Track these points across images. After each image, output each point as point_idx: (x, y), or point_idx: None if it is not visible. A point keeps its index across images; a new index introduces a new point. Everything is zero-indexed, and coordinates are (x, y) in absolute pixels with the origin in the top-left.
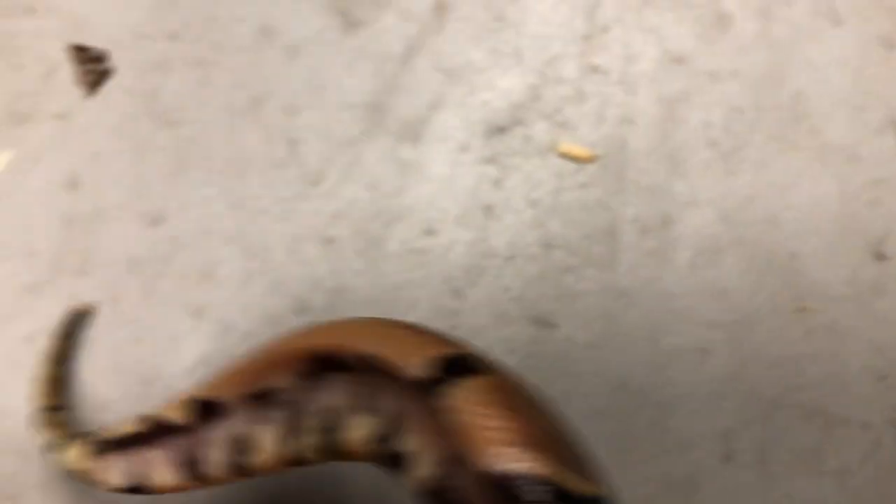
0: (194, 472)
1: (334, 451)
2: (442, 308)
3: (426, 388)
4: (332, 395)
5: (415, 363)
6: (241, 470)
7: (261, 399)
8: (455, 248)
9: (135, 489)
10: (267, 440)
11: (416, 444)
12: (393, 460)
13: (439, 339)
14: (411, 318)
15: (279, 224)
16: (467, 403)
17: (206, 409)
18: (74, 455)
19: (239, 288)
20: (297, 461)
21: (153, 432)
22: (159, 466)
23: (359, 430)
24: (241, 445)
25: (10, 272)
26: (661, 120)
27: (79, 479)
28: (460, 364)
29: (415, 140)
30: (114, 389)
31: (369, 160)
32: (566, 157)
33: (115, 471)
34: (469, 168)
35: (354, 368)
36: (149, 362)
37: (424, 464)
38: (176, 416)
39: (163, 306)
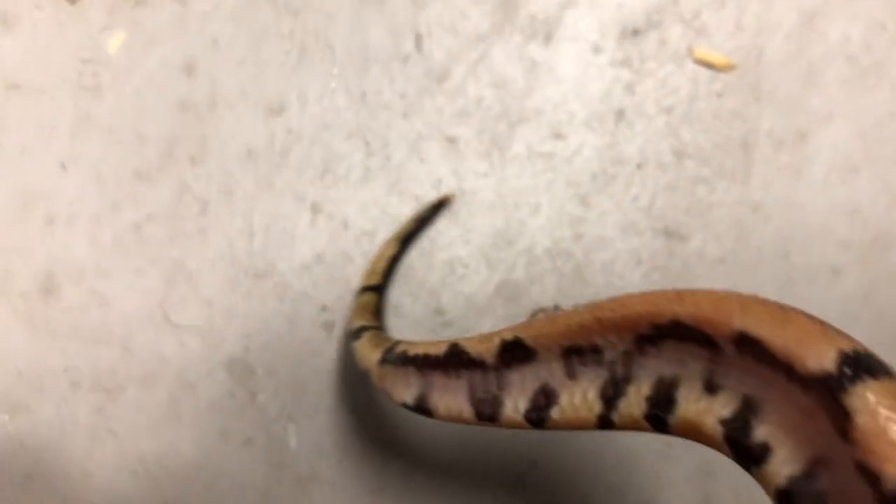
0: (489, 411)
1: (659, 423)
2: (566, 215)
3: (830, 385)
4: (670, 366)
5: (817, 354)
6: (539, 421)
7: (580, 355)
8: (583, 152)
9: (419, 409)
10: (578, 397)
11: (781, 439)
12: (744, 449)
13: (837, 331)
14: (532, 225)
15: (401, 121)
16: (876, 407)
17: (517, 353)
18: (367, 351)
19: (358, 185)
20: (604, 424)
21: (458, 362)
22: (455, 396)
23: (699, 406)
24: (548, 397)
25: (120, 157)
26: (800, 32)
27: (369, 380)
28: (864, 363)
29: (545, 39)
30: (224, 282)
31: (497, 58)
32: (702, 63)
33: (407, 386)
34: (601, 70)
35: (716, 345)
36: (261, 256)
37: (787, 461)
38: (484, 351)
39: (278, 200)
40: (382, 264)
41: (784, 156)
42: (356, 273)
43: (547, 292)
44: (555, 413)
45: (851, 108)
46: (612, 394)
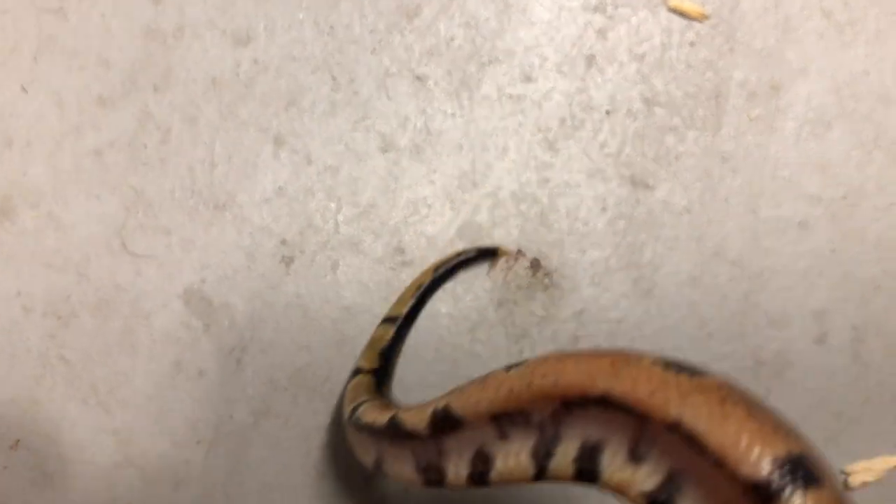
0: (435, 478)
1: (590, 483)
2: (533, 159)
3: (761, 493)
4: (597, 430)
5: (753, 459)
6: (481, 482)
7: (510, 417)
8: (553, 97)
9: (379, 472)
10: (512, 459)
11: None
12: None
13: (779, 429)
14: (499, 168)
15: (370, 56)
16: None
17: (448, 422)
18: (346, 403)
19: (323, 118)
20: (540, 480)
21: (398, 433)
22: (403, 465)
23: (623, 475)
24: (485, 461)
25: (83, 82)
26: None
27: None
28: (802, 469)
29: None
30: (183, 213)
31: None
32: (676, 12)
33: (366, 451)
34: (574, 15)
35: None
36: (222, 188)
37: None
38: (418, 422)
39: (241, 131)
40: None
41: (756, 108)
42: (318, 208)
43: (510, 236)
44: (494, 475)
45: (826, 63)
46: (542, 454)
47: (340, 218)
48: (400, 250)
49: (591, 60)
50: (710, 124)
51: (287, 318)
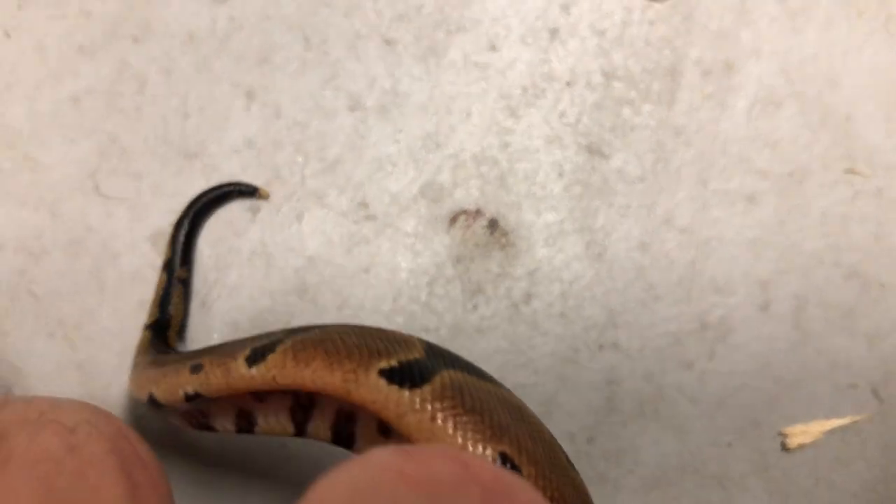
0: (204, 428)
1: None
2: (495, 124)
3: None
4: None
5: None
6: (249, 432)
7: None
8: (516, 66)
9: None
10: (272, 419)
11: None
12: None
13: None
14: (462, 131)
15: (341, 18)
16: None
17: (200, 399)
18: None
19: (294, 76)
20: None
21: (159, 406)
22: (176, 418)
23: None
24: (248, 418)
25: (65, 31)
26: None
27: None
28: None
29: None
30: (155, 159)
31: None
32: None
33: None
34: None
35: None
36: (194, 137)
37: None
38: (173, 401)
39: (215, 84)
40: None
41: (710, 85)
42: (286, 161)
43: (470, 196)
44: (259, 430)
45: (779, 45)
46: (301, 419)
47: (307, 171)
48: (364, 205)
49: (554, 33)
50: (666, 99)
51: (251, 264)
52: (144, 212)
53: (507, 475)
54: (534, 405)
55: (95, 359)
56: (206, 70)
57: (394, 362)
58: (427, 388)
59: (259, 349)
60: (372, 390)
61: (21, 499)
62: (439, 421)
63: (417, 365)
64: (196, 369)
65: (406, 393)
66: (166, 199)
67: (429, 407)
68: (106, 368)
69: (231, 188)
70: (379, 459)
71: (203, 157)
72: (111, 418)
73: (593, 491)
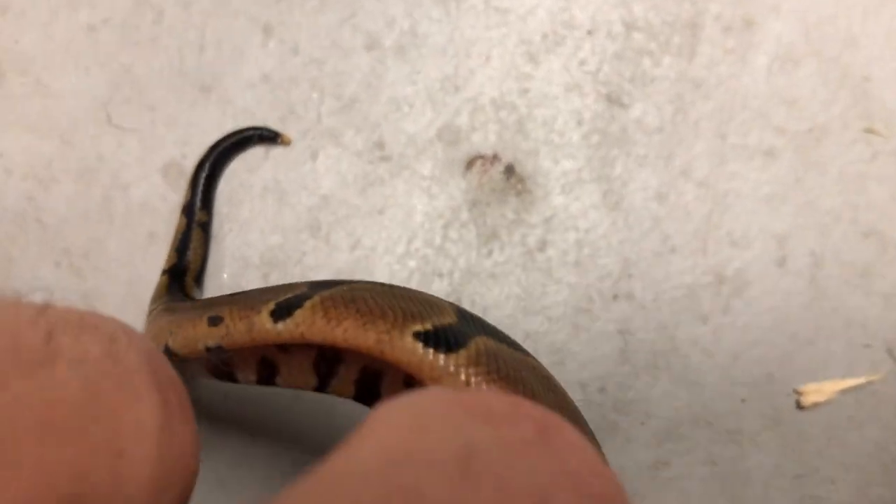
0: (225, 377)
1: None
2: (515, 69)
3: None
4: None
5: None
6: (270, 384)
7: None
8: (537, 12)
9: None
10: (295, 369)
11: None
12: None
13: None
14: (481, 75)
15: None
16: None
17: (222, 352)
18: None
19: (313, 13)
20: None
21: (175, 356)
22: (198, 368)
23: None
24: (270, 368)
25: None
26: None
27: None
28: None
29: None
30: (169, 91)
31: None
32: None
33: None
34: None
35: None
36: (209, 71)
37: None
38: (190, 352)
39: (233, 18)
40: None
41: (730, 40)
42: (301, 98)
43: (488, 141)
44: (280, 381)
45: (798, 4)
46: (325, 372)
47: (323, 109)
48: (380, 145)
49: None
50: (686, 52)
51: (263, 200)
52: (157, 143)
53: (555, 416)
54: (546, 353)
55: (102, 289)
56: (224, 4)
57: (428, 326)
58: (462, 354)
59: (283, 304)
60: (407, 352)
61: (69, 394)
62: (473, 386)
63: (452, 330)
64: (215, 321)
65: (441, 357)
66: (180, 131)
67: (463, 372)
68: (113, 299)
69: (252, 132)
70: (437, 391)
71: (218, 90)
72: (142, 335)
73: (603, 440)
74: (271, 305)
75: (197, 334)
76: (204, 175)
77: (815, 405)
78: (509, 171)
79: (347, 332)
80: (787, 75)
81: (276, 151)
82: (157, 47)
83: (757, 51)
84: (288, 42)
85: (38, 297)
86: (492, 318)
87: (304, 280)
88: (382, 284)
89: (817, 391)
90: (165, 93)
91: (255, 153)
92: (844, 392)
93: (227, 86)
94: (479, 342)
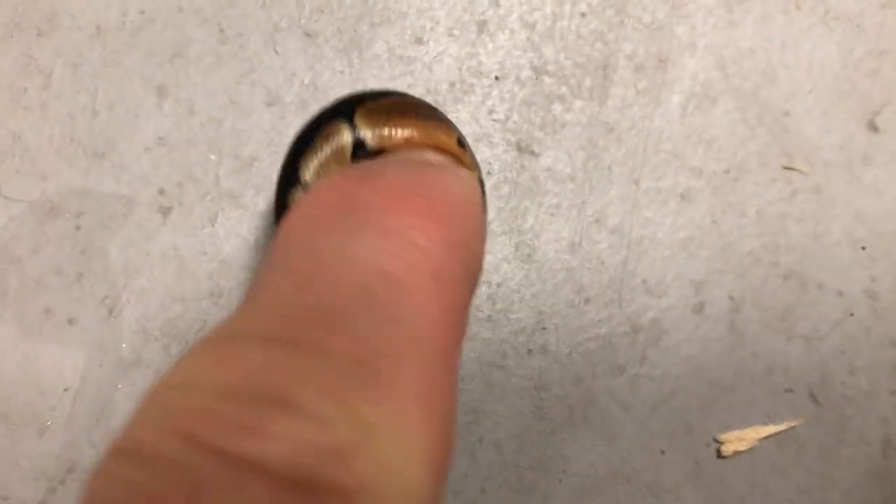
0: None
1: None
2: None
3: None
4: None
5: None
6: None
7: None
8: (443, 60)
9: None
10: None
11: None
12: None
13: None
14: None
15: (259, 10)
16: None
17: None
18: None
19: (209, 71)
20: None
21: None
22: None
23: None
24: None
25: None
26: None
27: None
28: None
29: None
30: (61, 159)
31: None
32: None
33: None
34: None
35: None
36: (102, 136)
37: None
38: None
39: (125, 80)
40: None
41: (643, 80)
42: (199, 160)
43: None
44: None
45: (715, 39)
46: None
47: (221, 171)
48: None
49: (482, 26)
50: (597, 95)
51: (162, 268)
52: (49, 214)
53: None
54: (460, 414)
55: (2, 372)
56: (115, 65)
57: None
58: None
59: None
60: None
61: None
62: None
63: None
64: None
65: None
66: (73, 200)
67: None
68: (8, 380)
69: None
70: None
71: (112, 155)
72: None
73: (521, 502)
74: None
75: None
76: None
77: (737, 453)
78: None
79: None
80: (703, 114)
81: (174, 217)
82: (47, 112)
83: (671, 90)
84: (184, 102)
85: None
86: None
87: None
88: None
89: (738, 439)
90: (57, 160)
91: (151, 219)
92: (767, 439)
93: (121, 151)
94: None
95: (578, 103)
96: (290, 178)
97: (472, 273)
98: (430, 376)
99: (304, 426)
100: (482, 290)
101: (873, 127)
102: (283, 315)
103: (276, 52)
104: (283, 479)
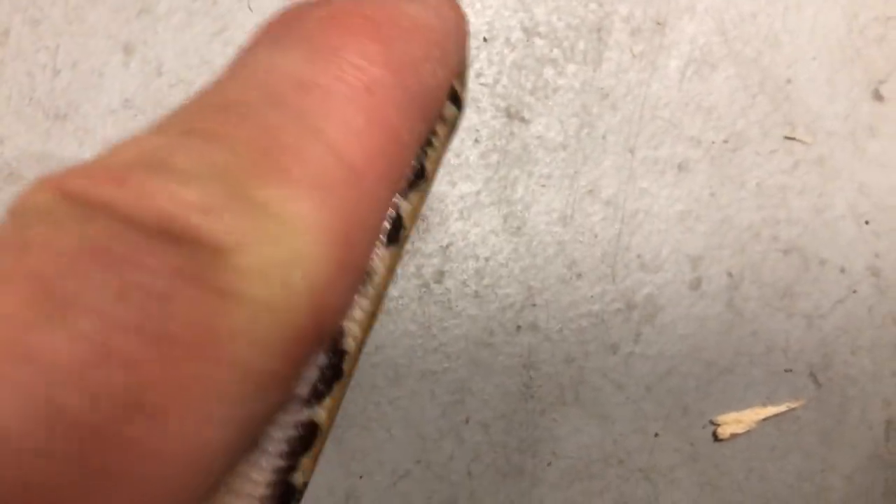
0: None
1: None
2: None
3: None
4: None
5: None
6: None
7: None
8: None
9: None
10: None
11: None
12: None
13: None
14: None
15: None
16: None
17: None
18: None
19: (179, 29)
20: None
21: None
22: None
23: None
24: None
25: None
26: None
27: None
28: None
29: None
30: (19, 121)
31: None
32: None
33: None
34: None
35: None
36: (64, 97)
37: None
38: None
39: (89, 37)
40: None
41: (640, 44)
42: None
43: None
44: None
45: (715, 2)
46: None
47: None
48: None
49: None
50: (591, 58)
51: None
52: (8, 178)
53: None
54: (445, 393)
55: None
56: (78, 21)
57: None
58: None
59: None
60: None
61: None
62: None
63: None
64: None
65: None
66: (33, 164)
67: None
68: None
69: None
70: None
71: (75, 118)
72: None
73: (508, 484)
74: None
75: None
76: None
77: (734, 436)
78: None
79: None
80: (702, 80)
81: None
82: (4, 71)
83: (669, 55)
84: (152, 61)
85: None
86: (385, 358)
87: None
88: None
89: (736, 421)
90: (15, 122)
91: None
92: (765, 421)
93: (84, 113)
94: None
95: (571, 67)
96: None
97: (421, 104)
98: (344, 184)
99: (181, 187)
100: (469, 265)
101: (878, 96)
102: (186, 114)
103: (251, 9)
104: (144, 225)
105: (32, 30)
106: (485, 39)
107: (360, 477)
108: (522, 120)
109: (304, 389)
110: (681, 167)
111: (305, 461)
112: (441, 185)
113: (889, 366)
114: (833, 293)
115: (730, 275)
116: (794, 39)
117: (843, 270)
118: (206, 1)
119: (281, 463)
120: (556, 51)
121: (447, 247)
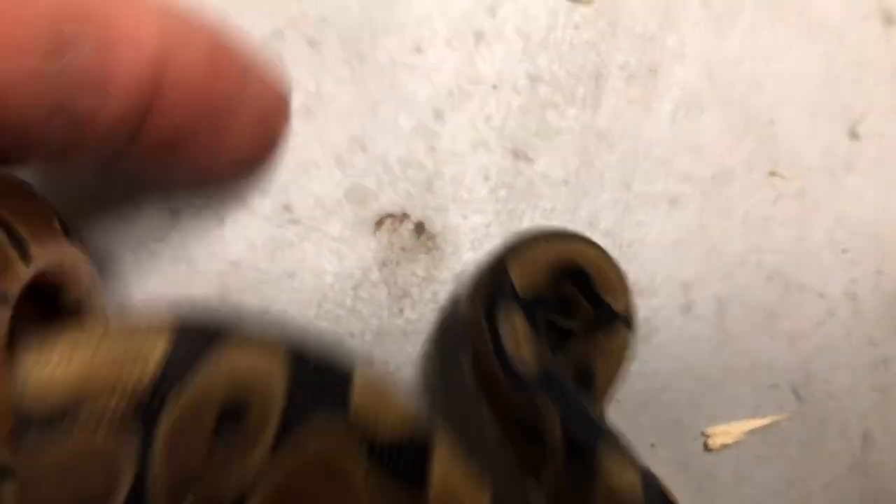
0: None
1: None
2: (421, 127)
3: None
4: None
5: None
6: None
7: None
8: (442, 69)
9: None
10: None
11: None
12: None
13: None
14: (390, 132)
15: (262, 14)
16: None
17: None
18: None
19: None
20: None
21: None
22: None
23: None
24: None
25: None
26: None
27: None
28: None
29: None
30: None
31: None
32: None
33: None
34: None
35: None
36: None
37: None
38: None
39: None
40: None
41: (634, 89)
42: None
43: (397, 199)
44: None
45: (703, 49)
46: None
47: None
48: (288, 208)
49: (479, 36)
50: (590, 103)
51: (173, 268)
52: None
53: None
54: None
55: None
56: None
57: None
58: None
59: None
60: None
61: None
62: None
63: None
64: None
65: None
66: (74, 198)
67: None
68: None
69: None
70: None
71: None
72: None
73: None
74: None
75: None
76: None
77: (724, 447)
78: (419, 228)
79: None
80: (692, 122)
81: (184, 218)
82: None
83: (661, 99)
84: None
85: None
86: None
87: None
88: None
89: (725, 433)
90: None
91: (161, 222)
92: (752, 432)
93: None
94: None
95: (572, 111)
96: None
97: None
98: None
99: None
100: None
101: (855, 135)
102: None
103: (281, 61)
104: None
105: None
106: (494, 86)
107: None
108: (528, 159)
109: None
110: (673, 201)
111: None
112: (455, 217)
113: (865, 382)
114: (813, 316)
115: (718, 299)
116: (776, 83)
117: (821, 295)
118: None
119: None
120: (557, 96)
121: (460, 274)
